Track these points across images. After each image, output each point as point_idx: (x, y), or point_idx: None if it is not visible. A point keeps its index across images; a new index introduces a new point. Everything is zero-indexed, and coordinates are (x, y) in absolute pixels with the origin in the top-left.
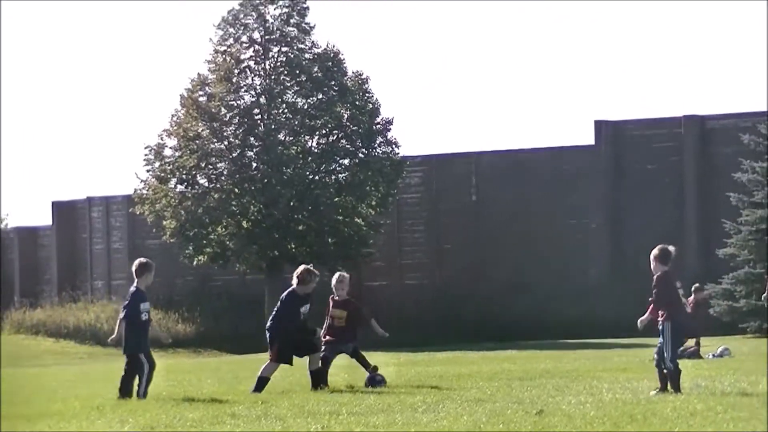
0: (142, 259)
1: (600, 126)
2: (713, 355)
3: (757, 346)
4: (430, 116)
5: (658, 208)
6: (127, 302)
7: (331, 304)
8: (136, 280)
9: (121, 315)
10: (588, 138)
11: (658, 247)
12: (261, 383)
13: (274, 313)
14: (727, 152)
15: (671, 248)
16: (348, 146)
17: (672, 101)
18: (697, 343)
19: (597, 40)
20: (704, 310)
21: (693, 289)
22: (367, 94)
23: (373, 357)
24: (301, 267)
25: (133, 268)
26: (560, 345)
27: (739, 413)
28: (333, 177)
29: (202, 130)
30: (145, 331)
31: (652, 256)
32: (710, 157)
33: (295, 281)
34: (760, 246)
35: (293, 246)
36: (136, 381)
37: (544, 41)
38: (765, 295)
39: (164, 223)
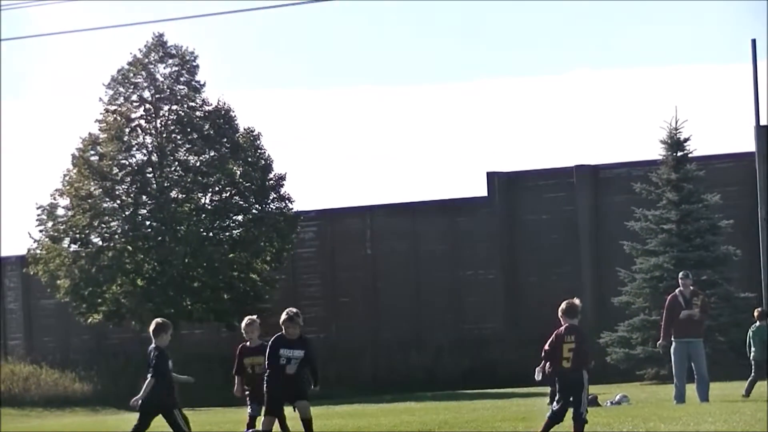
0: (159, 320)
1: (492, 177)
2: (611, 403)
3: (654, 392)
4: (322, 171)
5: (553, 257)
6: (154, 362)
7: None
8: (153, 340)
9: (150, 374)
10: (481, 190)
11: (565, 301)
12: None
13: None
14: (619, 201)
15: (577, 301)
16: (241, 203)
17: (564, 151)
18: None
19: (488, 90)
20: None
21: None
22: (259, 151)
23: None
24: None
25: (151, 329)
26: (458, 396)
27: None
28: (227, 233)
29: (95, 189)
30: (173, 387)
31: (560, 311)
32: (603, 206)
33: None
34: (655, 293)
35: (189, 303)
36: None
37: (435, 93)
38: (660, 342)
39: (58, 282)
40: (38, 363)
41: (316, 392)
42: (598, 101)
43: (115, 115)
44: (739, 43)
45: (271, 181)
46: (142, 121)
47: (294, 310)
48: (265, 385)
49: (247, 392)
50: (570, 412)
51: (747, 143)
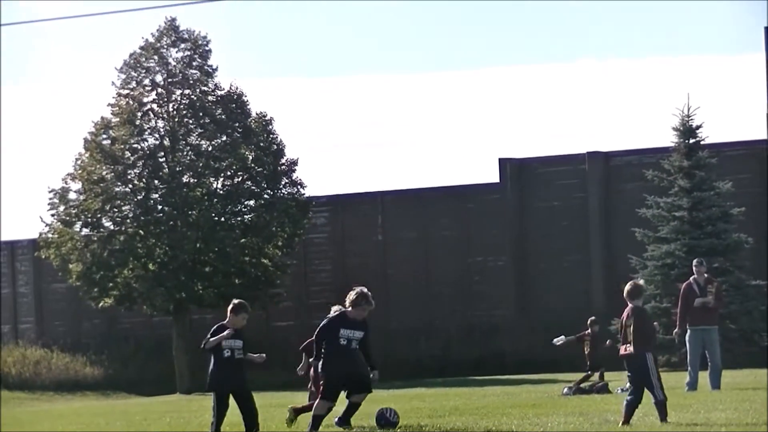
0: (237, 302)
1: (504, 164)
2: (622, 390)
3: (665, 380)
4: (334, 157)
5: (564, 244)
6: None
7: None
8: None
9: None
10: (492, 176)
11: (630, 282)
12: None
13: None
14: (631, 188)
15: (641, 282)
16: (253, 188)
17: (576, 138)
18: (601, 377)
19: (500, 77)
20: (602, 344)
21: (588, 322)
22: (271, 136)
23: (280, 397)
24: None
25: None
26: (468, 382)
27: None
28: (239, 218)
29: (106, 174)
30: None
31: (624, 293)
32: (615, 193)
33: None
34: (666, 281)
35: (200, 288)
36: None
37: (447, 80)
38: (676, 330)
39: (70, 266)
40: (49, 347)
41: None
42: (610, 89)
43: (127, 100)
44: (752, 32)
45: (283, 167)
46: (155, 106)
47: (365, 289)
48: (321, 368)
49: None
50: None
51: (759, 131)
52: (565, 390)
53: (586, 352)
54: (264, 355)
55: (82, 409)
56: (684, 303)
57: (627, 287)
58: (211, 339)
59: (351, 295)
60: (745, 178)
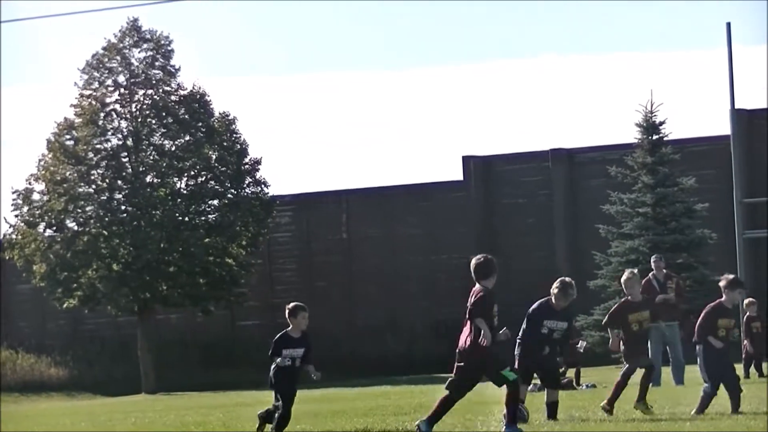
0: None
1: (468, 161)
2: (587, 386)
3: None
4: (298, 156)
5: (529, 241)
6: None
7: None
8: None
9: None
10: (457, 174)
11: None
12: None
13: None
14: (595, 185)
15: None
16: (217, 187)
17: (539, 135)
18: (578, 373)
19: (463, 74)
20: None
21: None
22: (234, 135)
23: (248, 395)
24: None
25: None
26: (434, 380)
27: None
28: (203, 218)
29: (70, 174)
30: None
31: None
32: (579, 190)
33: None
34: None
35: (164, 288)
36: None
37: (410, 78)
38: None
39: (34, 267)
40: (14, 348)
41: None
42: (573, 86)
43: (90, 100)
44: (715, 28)
45: (247, 166)
46: (117, 106)
47: (568, 279)
48: (522, 355)
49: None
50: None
51: (722, 126)
52: (530, 387)
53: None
54: (319, 375)
55: (47, 410)
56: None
57: (723, 281)
58: (278, 360)
59: (556, 287)
60: (708, 174)
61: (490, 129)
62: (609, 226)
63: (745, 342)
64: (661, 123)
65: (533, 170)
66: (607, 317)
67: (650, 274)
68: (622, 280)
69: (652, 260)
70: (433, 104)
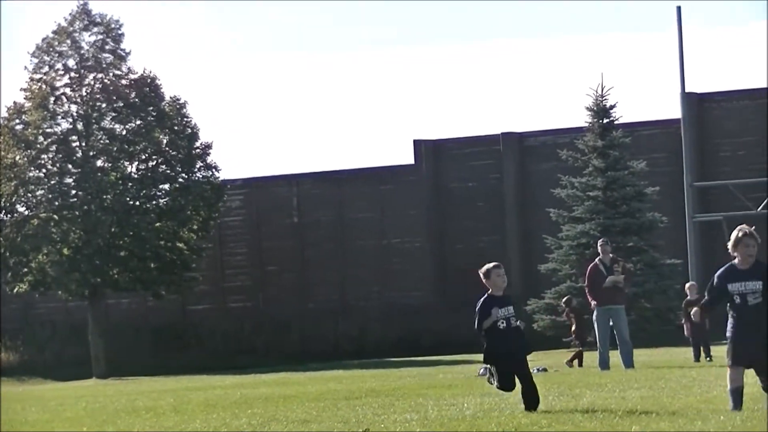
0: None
1: (419, 145)
2: (537, 369)
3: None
4: (249, 139)
5: (480, 225)
6: None
7: None
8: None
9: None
10: (408, 157)
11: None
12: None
13: None
14: (546, 168)
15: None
16: (168, 171)
17: (490, 119)
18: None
19: (414, 57)
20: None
21: (564, 301)
22: (185, 119)
23: (198, 380)
24: None
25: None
26: (385, 364)
27: (564, 426)
28: (153, 202)
29: (20, 158)
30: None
31: None
32: (529, 173)
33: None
34: (581, 260)
35: (115, 272)
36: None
37: (361, 61)
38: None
39: None
40: None
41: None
42: (525, 69)
43: (40, 84)
44: (665, 10)
45: (198, 150)
46: (68, 90)
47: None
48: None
49: None
50: None
51: (673, 110)
52: (482, 371)
53: (573, 329)
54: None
55: None
56: (591, 283)
57: None
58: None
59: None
60: (659, 158)
61: (441, 113)
62: (560, 210)
63: (686, 325)
64: (612, 107)
65: (484, 154)
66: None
67: (597, 259)
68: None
69: (598, 244)
70: (384, 87)
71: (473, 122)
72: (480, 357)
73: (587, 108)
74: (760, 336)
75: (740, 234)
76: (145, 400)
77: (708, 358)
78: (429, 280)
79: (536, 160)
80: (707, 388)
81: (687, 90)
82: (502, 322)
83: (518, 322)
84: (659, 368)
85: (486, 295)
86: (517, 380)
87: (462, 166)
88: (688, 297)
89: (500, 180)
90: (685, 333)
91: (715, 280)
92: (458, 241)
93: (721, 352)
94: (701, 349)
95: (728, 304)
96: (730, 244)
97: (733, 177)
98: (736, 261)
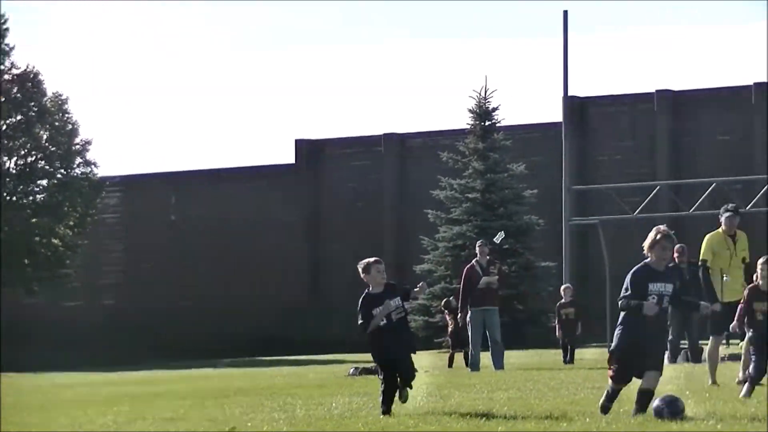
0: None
1: (300, 145)
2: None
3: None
4: (128, 136)
5: (359, 225)
6: None
7: None
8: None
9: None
10: (288, 157)
11: None
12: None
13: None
14: (426, 169)
15: None
16: (47, 167)
17: (371, 120)
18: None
19: (294, 57)
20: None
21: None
22: (66, 115)
23: (66, 377)
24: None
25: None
26: (257, 363)
27: (430, 427)
28: (30, 198)
29: None
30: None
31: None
32: (409, 174)
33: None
34: (457, 262)
35: None
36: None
37: (243, 58)
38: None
39: None
40: None
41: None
42: (408, 71)
43: None
44: (551, 16)
45: (78, 146)
46: None
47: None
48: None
49: None
50: None
51: (554, 114)
52: (351, 371)
53: (450, 331)
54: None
55: None
56: (466, 284)
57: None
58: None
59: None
60: (539, 161)
61: (323, 113)
62: (438, 211)
63: (558, 327)
64: (494, 109)
65: (365, 154)
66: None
67: (474, 260)
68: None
69: (476, 246)
70: (266, 87)
71: (355, 123)
72: (351, 357)
73: (470, 110)
74: (656, 342)
75: (658, 236)
76: (9, 398)
77: (569, 362)
78: (304, 279)
79: (416, 162)
80: (575, 390)
81: (569, 94)
82: (383, 320)
83: (402, 314)
84: (529, 370)
85: (365, 294)
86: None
87: (342, 166)
88: (563, 300)
89: (380, 181)
90: (557, 335)
91: (634, 278)
92: (336, 241)
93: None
94: (567, 351)
95: (626, 308)
96: (646, 244)
97: (610, 181)
98: (650, 261)
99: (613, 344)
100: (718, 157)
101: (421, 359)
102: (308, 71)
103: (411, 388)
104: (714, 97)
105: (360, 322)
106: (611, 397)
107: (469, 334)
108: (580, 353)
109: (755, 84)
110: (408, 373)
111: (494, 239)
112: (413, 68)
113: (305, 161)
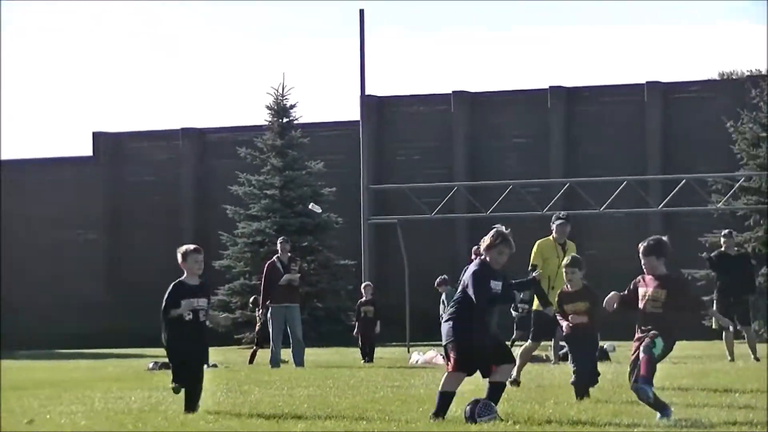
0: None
1: (98, 137)
2: (208, 365)
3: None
4: None
5: (157, 220)
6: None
7: None
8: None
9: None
10: (86, 149)
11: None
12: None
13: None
14: (224, 165)
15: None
16: None
17: (170, 114)
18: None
19: (92, 52)
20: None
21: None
22: None
23: None
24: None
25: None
26: (56, 356)
27: (230, 422)
28: None
29: None
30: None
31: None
32: (208, 169)
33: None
34: (256, 258)
35: None
36: None
37: (42, 51)
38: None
39: None
40: None
41: None
42: (207, 65)
43: None
44: (348, 15)
45: None
46: None
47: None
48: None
49: None
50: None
51: (353, 112)
52: (151, 365)
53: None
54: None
55: None
56: (267, 281)
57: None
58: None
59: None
60: (337, 159)
61: (121, 106)
62: (237, 207)
63: (357, 325)
64: (292, 106)
65: (163, 149)
66: None
67: (275, 257)
68: None
69: (278, 243)
70: (64, 79)
71: (154, 117)
72: (150, 351)
73: (267, 107)
74: (492, 337)
75: (498, 240)
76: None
77: (369, 360)
78: (103, 273)
79: (215, 157)
80: (374, 389)
81: (367, 93)
82: (189, 314)
83: (204, 317)
84: (329, 368)
85: (177, 281)
86: None
87: (141, 160)
88: (363, 298)
89: (178, 175)
90: (354, 333)
91: (480, 275)
92: (134, 236)
93: (387, 354)
94: (366, 350)
95: (460, 304)
96: (483, 244)
97: (409, 181)
98: (488, 260)
99: (451, 337)
100: (515, 159)
101: (221, 355)
102: (107, 63)
103: (196, 411)
104: (512, 100)
105: (164, 306)
106: (452, 393)
107: (270, 330)
108: (380, 352)
109: (551, 87)
110: (195, 395)
111: (311, 207)
112: (213, 63)
113: (104, 154)
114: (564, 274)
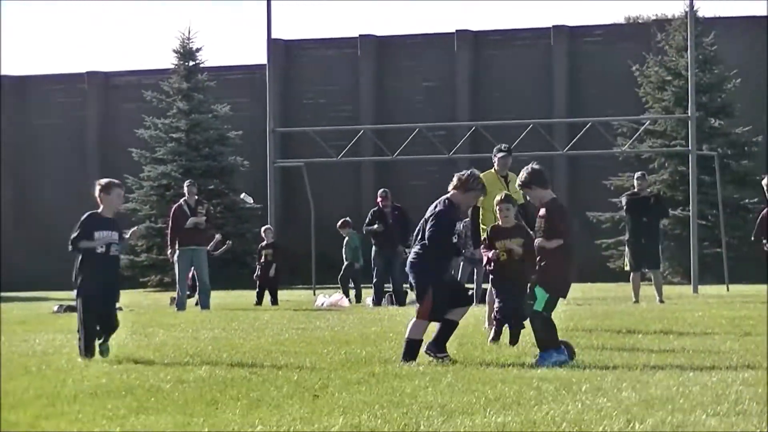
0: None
1: (2, 80)
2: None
3: (157, 300)
4: None
5: (62, 164)
6: None
7: None
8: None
9: None
10: None
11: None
12: (411, 347)
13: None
14: (130, 108)
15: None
16: None
17: (74, 57)
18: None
19: None
20: None
21: None
22: None
23: None
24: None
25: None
26: None
27: (130, 365)
28: None
29: None
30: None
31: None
32: (113, 113)
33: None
34: (161, 201)
35: None
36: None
37: None
38: (169, 251)
39: None
40: None
41: None
42: (112, 7)
43: None
44: None
45: None
46: None
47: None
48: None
49: None
50: None
51: (260, 56)
52: (56, 308)
53: None
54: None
55: None
56: (174, 224)
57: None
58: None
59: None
60: (243, 102)
61: (25, 47)
62: (142, 150)
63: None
64: (198, 50)
65: (68, 92)
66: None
67: (182, 200)
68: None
69: (185, 186)
70: None
71: (58, 59)
72: (55, 294)
73: (174, 50)
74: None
75: (478, 185)
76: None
77: (274, 303)
78: (7, 217)
79: (121, 100)
80: (279, 331)
81: (274, 36)
82: (102, 247)
83: (117, 251)
84: (234, 310)
85: (90, 212)
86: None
87: (45, 103)
88: (264, 241)
89: (84, 118)
90: (254, 276)
91: (443, 218)
92: (39, 179)
93: (293, 297)
94: (265, 294)
95: (429, 247)
96: (453, 184)
97: (315, 124)
98: (454, 201)
99: (421, 282)
100: (422, 102)
101: (127, 298)
102: (11, 5)
103: (108, 341)
104: (419, 43)
105: (74, 236)
106: (420, 341)
107: (176, 273)
108: (286, 295)
109: (457, 31)
110: (110, 323)
111: (243, 197)
112: (118, 5)
113: (8, 96)
114: (498, 211)
